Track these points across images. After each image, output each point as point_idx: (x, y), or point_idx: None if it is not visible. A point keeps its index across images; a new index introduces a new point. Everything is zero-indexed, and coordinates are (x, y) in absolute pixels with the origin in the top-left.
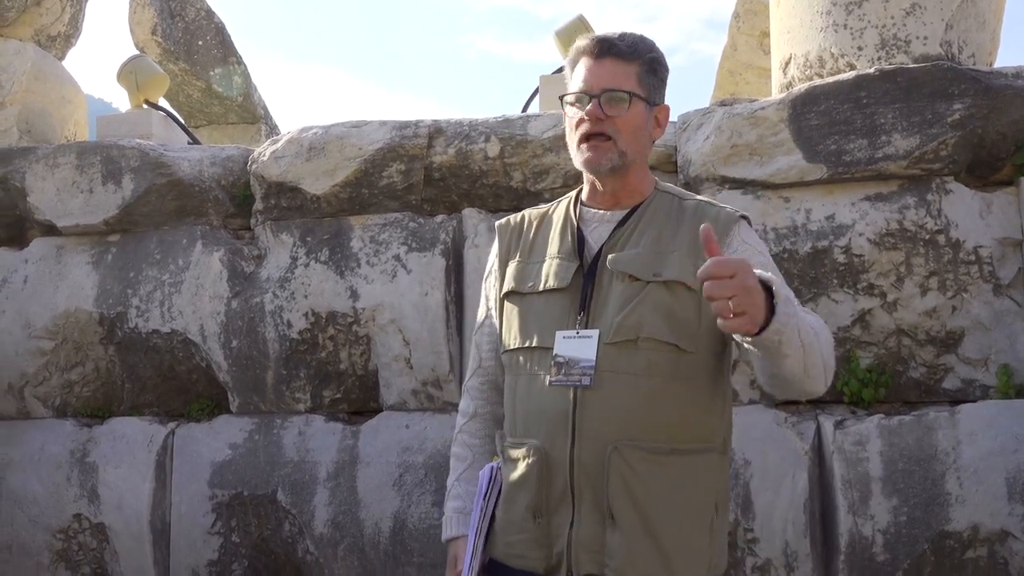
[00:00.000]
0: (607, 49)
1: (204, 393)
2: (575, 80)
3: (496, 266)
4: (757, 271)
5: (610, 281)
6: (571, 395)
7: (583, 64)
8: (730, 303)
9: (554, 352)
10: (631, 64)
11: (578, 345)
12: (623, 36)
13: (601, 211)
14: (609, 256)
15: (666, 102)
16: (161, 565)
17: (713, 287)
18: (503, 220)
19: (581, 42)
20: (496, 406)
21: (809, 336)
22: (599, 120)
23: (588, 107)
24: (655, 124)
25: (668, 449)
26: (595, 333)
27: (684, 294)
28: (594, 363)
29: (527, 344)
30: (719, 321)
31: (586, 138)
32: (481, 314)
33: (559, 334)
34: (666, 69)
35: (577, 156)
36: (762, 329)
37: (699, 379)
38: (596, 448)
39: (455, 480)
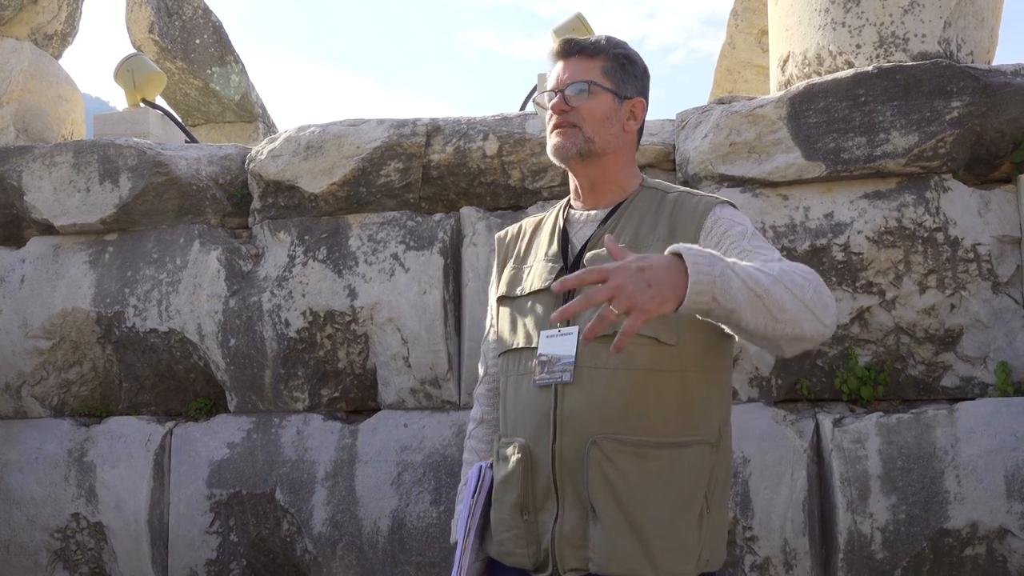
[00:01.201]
0: (572, 48)
1: (202, 392)
2: (549, 81)
3: (495, 275)
4: (674, 247)
5: None
6: (553, 392)
7: (554, 66)
8: (611, 307)
9: (538, 352)
10: (595, 59)
11: (559, 342)
12: (592, 38)
13: (586, 211)
14: (587, 254)
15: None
16: (159, 564)
17: (576, 303)
18: (501, 232)
19: (552, 46)
20: None
21: (763, 281)
22: (564, 111)
23: (554, 100)
24: (629, 116)
25: (651, 442)
26: (575, 330)
27: None
28: (574, 359)
29: (515, 346)
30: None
31: (555, 128)
32: (488, 322)
33: (543, 334)
34: (640, 67)
35: (548, 147)
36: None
37: (684, 371)
38: (576, 443)
39: (463, 484)
